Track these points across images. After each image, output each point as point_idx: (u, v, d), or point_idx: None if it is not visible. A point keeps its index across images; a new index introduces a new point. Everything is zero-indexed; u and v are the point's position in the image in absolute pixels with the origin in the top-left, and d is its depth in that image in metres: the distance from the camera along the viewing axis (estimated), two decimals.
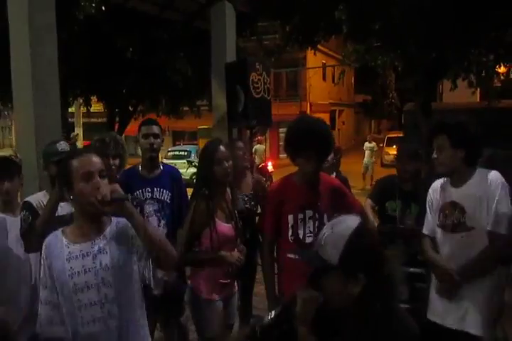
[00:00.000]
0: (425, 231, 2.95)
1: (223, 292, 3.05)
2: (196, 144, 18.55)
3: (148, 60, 8.99)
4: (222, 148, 3.04)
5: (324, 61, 30.54)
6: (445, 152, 2.74)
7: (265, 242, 3.09)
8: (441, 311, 2.77)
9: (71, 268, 1.98)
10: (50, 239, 2.08)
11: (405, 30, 8.73)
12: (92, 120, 23.38)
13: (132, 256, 2.05)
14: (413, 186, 3.83)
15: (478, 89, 12.29)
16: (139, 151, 3.56)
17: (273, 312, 1.73)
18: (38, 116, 3.97)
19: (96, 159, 2.03)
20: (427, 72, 10.13)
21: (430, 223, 2.93)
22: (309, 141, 2.78)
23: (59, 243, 2.04)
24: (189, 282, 3.18)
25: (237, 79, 5.28)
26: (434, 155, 2.83)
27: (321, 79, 31.44)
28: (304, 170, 2.89)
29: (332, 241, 1.55)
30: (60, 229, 2.10)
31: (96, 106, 12.99)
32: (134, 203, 2.06)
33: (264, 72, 5.34)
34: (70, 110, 15.97)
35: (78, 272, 1.98)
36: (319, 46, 14.02)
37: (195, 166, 16.79)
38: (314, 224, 2.87)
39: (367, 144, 17.41)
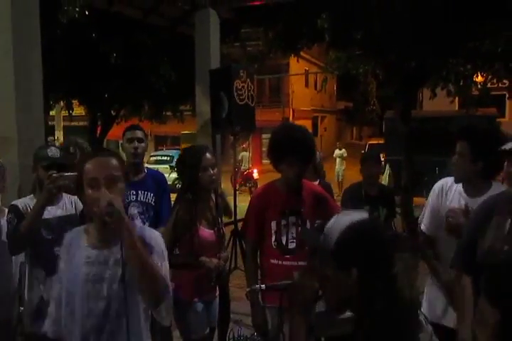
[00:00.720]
0: (425, 230, 2.89)
1: (204, 295, 3.08)
2: (179, 149, 18.52)
3: (132, 65, 8.99)
4: (208, 155, 3.07)
5: (307, 68, 30.74)
6: (464, 160, 2.62)
7: (248, 248, 3.13)
8: (439, 311, 2.79)
9: (86, 274, 1.90)
10: (72, 236, 2.02)
11: (386, 39, 8.88)
12: (73, 123, 23.13)
13: None
14: (378, 190, 4.04)
15: (457, 98, 12.51)
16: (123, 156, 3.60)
17: None
18: (21, 120, 3.96)
19: (105, 163, 1.91)
20: (407, 81, 10.30)
21: (431, 223, 2.84)
22: (292, 147, 2.83)
23: (80, 243, 1.97)
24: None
25: (221, 86, 5.32)
26: (454, 159, 2.71)
27: (304, 86, 31.64)
28: (287, 176, 2.93)
29: (333, 229, 1.55)
30: (83, 227, 2.04)
31: (77, 110, 12.91)
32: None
33: (248, 79, 5.39)
34: (50, 113, 15.85)
35: (93, 280, 1.90)
36: (302, 53, 14.15)
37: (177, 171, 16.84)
38: (297, 230, 2.92)
39: (337, 151, 17.66)
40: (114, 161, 1.93)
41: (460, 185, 2.74)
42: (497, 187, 2.58)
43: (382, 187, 4.01)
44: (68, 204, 2.96)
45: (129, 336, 1.89)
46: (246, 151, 18.73)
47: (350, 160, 26.48)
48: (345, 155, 17.81)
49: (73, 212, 2.95)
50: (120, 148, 3.69)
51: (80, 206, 2.90)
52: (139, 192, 3.50)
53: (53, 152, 2.95)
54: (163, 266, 1.94)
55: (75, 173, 1.98)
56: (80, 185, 1.90)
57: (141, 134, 3.61)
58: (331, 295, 1.59)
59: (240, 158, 17.25)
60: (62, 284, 1.97)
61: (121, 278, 1.87)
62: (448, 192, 2.79)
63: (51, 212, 2.83)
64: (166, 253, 2.00)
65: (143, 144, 3.58)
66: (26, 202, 2.92)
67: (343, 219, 1.56)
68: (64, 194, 2.95)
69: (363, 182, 4.13)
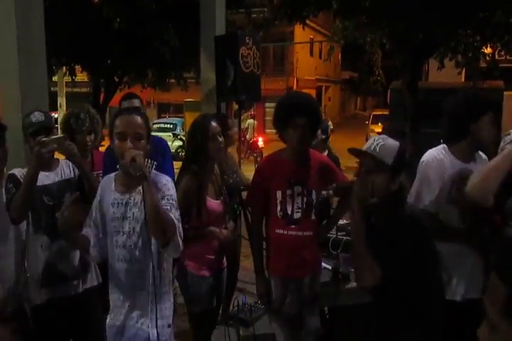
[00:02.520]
0: (425, 206, 2.73)
1: (212, 268, 3.07)
2: (182, 117, 18.38)
3: (136, 31, 8.85)
4: (214, 123, 3.04)
5: (312, 36, 30.28)
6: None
7: (254, 217, 3.13)
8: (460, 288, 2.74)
9: (113, 212, 2.31)
10: (105, 181, 2.43)
11: (394, 8, 8.71)
12: (75, 90, 23.00)
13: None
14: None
15: (464, 70, 12.35)
16: None
17: None
18: (24, 86, 3.92)
19: (136, 120, 2.26)
20: (415, 51, 10.15)
21: (430, 197, 2.74)
22: (296, 109, 2.82)
23: (109, 187, 2.36)
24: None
25: (227, 53, 5.23)
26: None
27: (308, 55, 31.23)
28: (292, 141, 2.88)
29: (387, 148, 2.10)
30: (114, 174, 2.40)
31: (80, 76, 12.77)
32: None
33: (254, 47, 5.30)
34: (53, 79, 15.71)
35: (118, 217, 2.31)
36: (307, 21, 13.90)
37: (180, 139, 16.71)
38: (303, 200, 2.91)
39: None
40: (140, 120, 2.28)
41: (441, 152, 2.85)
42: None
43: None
44: (66, 168, 2.91)
45: (148, 266, 2.29)
46: (253, 119, 18.29)
47: (354, 131, 26.43)
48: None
49: (71, 176, 2.90)
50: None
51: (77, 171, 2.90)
52: None
53: (37, 117, 2.87)
54: (173, 210, 2.26)
55: (63, 135, 2.42)
56: (110, 136, 2.27)
57: (137, 103, 3.59)
58: (380, 199, 2.13)
59: (246, 126, 16.98)
60: (95, 225, 2.39)
61: (143, 216, 2.22)
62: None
63: (50, 177, 2.80)
64: (175, 196, 2.35)
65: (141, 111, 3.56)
66: (24, 171, 2.86)
67: (390, 142, 2.13)
68: (61, 159, 2.92)
69: None
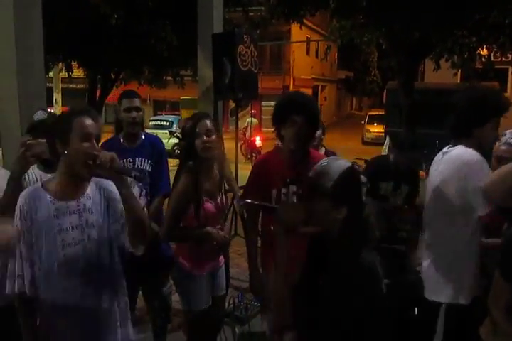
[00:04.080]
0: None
1: (208, 267, 3.06)
2: (178, 114, 18.37)
3: (133, 27, 8.82)
4: (204, 121, 2.98)
5: (309, 35, 30.29)
6: None
7: (249, 215, 3.13)
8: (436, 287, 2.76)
9: (59, 224, 2.05)
10: (30, 193, 2.10)
11: (391, 8, 8.73)
12: (71, 86, 22.94)
13: (110, 218, 2.14)
14: (407, 166, 3.87)
15: (460, 71, 12.40)
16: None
17: None
18: (22, 82, 3.91)
19: (95, 123, 2.09)
20: (411, 51, 10.18)
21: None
22: (294, 107, 2.82)
23: (42, 198, 2.08)
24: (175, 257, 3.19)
25: (225, 51, 5.23)
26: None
27: (305, 54, 31.25)
28: (290, 140, 2.87)
29: (329, 170, 1.78)
30: (39, 185, 2.15)
31: (76, 72, 12.72)
32: (133, 177, 2.07)
33: (251, 45, 5.31)
34: (49, 75, 15.64)
35: (66, 228, 2.06)
36: (304, 20, 13.91)
37: (176, 137, 16.65)
38: (298, 199, 2.91)
39: None
40: (97, 122, 2.14)
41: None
42: None
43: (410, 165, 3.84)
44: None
45: (108, 272, 2.13)
46: (253, 117, 17.91)
47: (350, 131, 26.50)
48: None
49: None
50: (115, 112, 3.60)
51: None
52: (136, 159, 3.46)
53: (39, 115, 2.79)
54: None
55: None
56: (65, 137, 2.01)
57: (138, 102, 3.55)
58: (316, 226, 1.81)
59: (245, 124, 16.77)
60: (28, 245, 2.05)
61: (96, 223, 2.09)
62: None
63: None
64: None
65: (140, 113, 3.54)
66: (29, 180, 2.74)
67: (338, 163, 1.82)
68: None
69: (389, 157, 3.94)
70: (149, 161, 3.51)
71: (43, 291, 2.07)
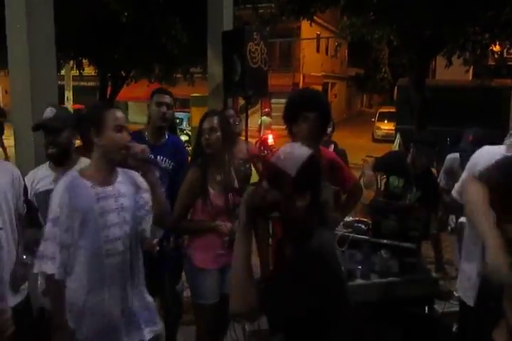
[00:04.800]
0: None
1: (219, 261, 3.05)
2: (188, 112, 18.34)
3: (143, 25, 8.84)
4: (209, 119, 3.03)
5: (319, 32, 30.17)
6: None
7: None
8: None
9: (101, 207, 2.25)
10: (69, 182, 2.27)
11: (402, 4, 8.67)
12: (82, 83, 23.02)
13: (136, 202, 2.36)
14: (422, 171, 3.84)
15: (472, 68, 12.29)
16: (130, 118, 3.57)
17: None
18: (34, 79, 3.93)
19: (123, 116, 2.34)
20: (422, 48, 10.10)
21: None
22: (309, 103, 2.83)
23: (81, 185, 2.27)
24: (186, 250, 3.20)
25: (234, 48, 5.22)
26: None
27: (315, 51, 31.13)
28: (301, 136, 2.85)
29: (293, 157, 1.76)
30: (76, 172, 2.33)
31: (87, 70, 12.79)
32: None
33: (261, 42, 5.29)
34: (60, 73, 15.71)
35: (107, 211, 2.27)
36: (314, 17, 13.86)
37: (186, 134, 16.72)
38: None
39: None
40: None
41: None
42: None
43: (426, 170, 3.77)
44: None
45: (134, 255, 2.37)
46: (267, 116, 17.71)
47: (360, 128, 26.38)
48: None
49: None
50: (147, 109, 3.60)
51: None
52: (158, 157, 3.42)
53: (47, 113, 2.79)
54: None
55: None
56: (100, 128, 2.24)
57: (170, 100, 3.56)
58: (282, 214, 1.77)
59: (259, 123, 16.64)
60: (61, 228, 2.21)
61: (129, 207, 2.32)
62: None
63: None
64: None
65: (171, 111, 3.55)
66: (35, 176, 2.80)
67: (300, 150, 1.80)
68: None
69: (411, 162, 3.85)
70: (170, 161, 3.50)
71: (81, 271, 2.24)
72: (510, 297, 0.97)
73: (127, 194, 2.34)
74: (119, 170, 2.38)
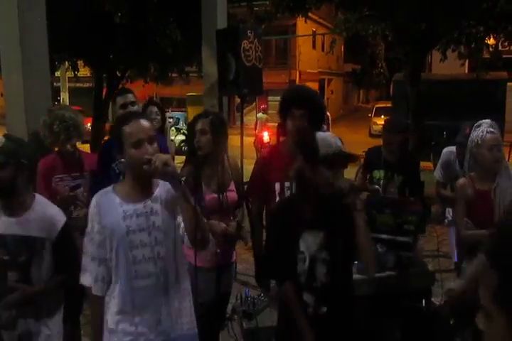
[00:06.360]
0: None
1: (217, 260, 3.06)
2: (184, 111, 18.37)
3: (137, 25, 8.82)
4: (201, 121, 3.04)
5: (314, 29, 30.13)
6: None
7: (254, 209, 3.15)
8: None
9: (127, 226, 2.12)
10: (100, 197, 2.19)
11: None
12: (78, 85, 23.01)
13: (176, 219, 2.21)
14: (399, 157, 3.97)
15: (467, 61, 12.28)
16: None
17: None
18: (27, 82, 3.93)
19: (145, 124, 2.14)
20: (417, 42, 10.10)
21: None
22: (296, 101, 2.88)
23: (111, 201, 2.16)
24: None
25: (229, 47, 5.23)
26: None
27: (311, 48, 31.10)
28: (291, 133, 2.90)
29: (329, 141, 2.16)
30: (111, 187, 2.22)
31: (83, 71, 12.77)
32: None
33: (255, 40, 5.29)
34: (55, 74, 15.71)
35: (134, 230, 2.13)
36: (310, 14, 13.84)
37: (183, 133, 16.72)
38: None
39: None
40: (148, 123, 2.17)
41: None
42: None
43: (404, 154, 3.94)
44: None
45: (170, 277, 2.20)
46: (263, 113, 17.72)
47: (357, 124, 26.38)
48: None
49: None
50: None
51: None
52: None
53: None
54: None
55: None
56: (121, 146, 2.11)
57: (132, 97, 3.61)
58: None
59: (255, 120, 16.61)
60: (95, 245, 2.15)
61: (163, 226, 2.16)
62: None
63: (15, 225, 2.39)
64: None
65: (135, 107, 3.58)
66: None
67: (326, 134, 2.22)
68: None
69: (382, 148, 4.08)
70: None
71: (112, 291, 2.17)
72: (484, 283, 1.00)
73: (162, 212, 2.17)
74: (161, 183, 2.20)
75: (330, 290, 2.23)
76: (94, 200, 2.20)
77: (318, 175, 2.15)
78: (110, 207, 2.15)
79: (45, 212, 2.45)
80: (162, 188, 2.21)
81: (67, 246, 2.47)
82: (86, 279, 2.20)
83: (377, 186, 3.25)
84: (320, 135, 2.20)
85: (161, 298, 2.17)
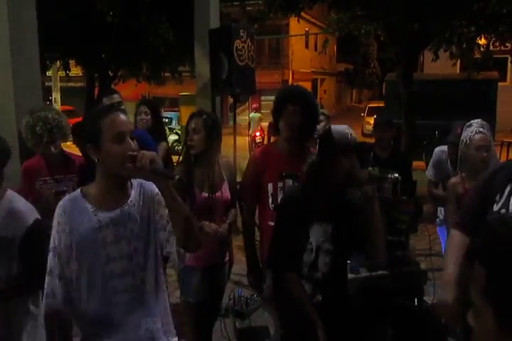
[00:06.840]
0: None
1: (204, 259, 3.03)
2: (177, 111, 18.33)
3: (130, 24, 8.81)
4: (195, 119, 3.03)
5: (307, 29, 30.17)
6: None
7: (246, 209, 3.15)
8: None
9: (103, 237, 1.84)
10: (69, 204, 1.88)
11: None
12: (70, 84, 22.91)
13: (155, 224, 1.92)
14: (391, 153, 4.06)
15: (459, 61, 12.35)
16: None
17: None
18: (18, 81, 3.91)
19: (126, 118, 1.86)
20: (409, 42, 10.14)
21: None
22: (289, 98, 2.92)
23: (82, 209, 1.86)
24: None
25: (221, 46, 5.23)
26: None
27: (304, 47, 31.14)
28: (284, 131, 2.90)
29: (348, 132, 2.29)
30: (79, 192, 1.91)
31: (75, 70, 12.72)
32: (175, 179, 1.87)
33: (248, 40, 5.30)
34: (47, 74, 15.63)
35: (111, 242, 1.85)
36: (302, 13, 13.84)
37: (176, 133, 16.70)
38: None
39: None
40: (127, 117, 1.89)
41: None
42: None
43: (396, 151, 4.06)
44: None
45: (148, 289, 1.91)
46: (256, 113, 17.70)
47: (350, 123, 26.45)
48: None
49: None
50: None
51: None
52: None
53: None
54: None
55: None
56: (97, 141, 1.80)
57: (118, 98, 3.68)
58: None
59: (249, 120, 16.59)
60: (63, 261, 1.86)
61: (142, 234, 1.88)
62: None
63: None
64: None
65: (122, 107, 3.58)
66: None
67: (344, 127, 2.34)
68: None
69: (374, 144, 4.21)
70: None
71: (84, 308, 1.87)
72: (474, 280, 1.02)
73: (140, 217, 1.89)
74: (135, 183, 1.93)
75: (328, 280, 2.29)
76: (60, 209, 1.87)
77: (337, 166, 2.21)
78: (82, 215, 1.85)
79: (13, 207, 2.21)
80: (137, 190, 1.93)
81: (32, 247, 2.18)
82: (49, 304, 1.89)
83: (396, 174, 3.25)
84: (337, 128, 2.31)
85: (141, 312, 1.90)
